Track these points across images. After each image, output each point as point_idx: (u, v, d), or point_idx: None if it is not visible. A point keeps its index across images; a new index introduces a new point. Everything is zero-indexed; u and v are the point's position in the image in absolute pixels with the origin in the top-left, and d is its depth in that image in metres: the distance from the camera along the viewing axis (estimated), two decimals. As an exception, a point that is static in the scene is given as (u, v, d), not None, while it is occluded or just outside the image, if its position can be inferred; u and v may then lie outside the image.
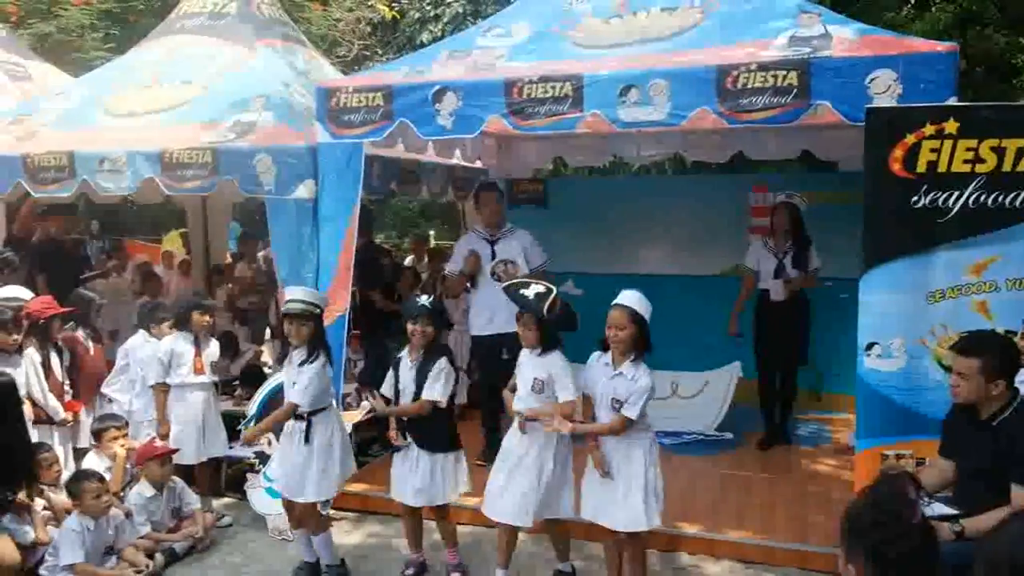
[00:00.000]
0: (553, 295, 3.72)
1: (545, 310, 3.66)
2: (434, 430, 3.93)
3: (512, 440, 3.84)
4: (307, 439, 3.94)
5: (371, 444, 5.67)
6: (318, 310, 4.03)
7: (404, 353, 4.03)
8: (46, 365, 4.87)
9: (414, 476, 3.93)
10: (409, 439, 3.95)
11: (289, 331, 3.97)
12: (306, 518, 4.07)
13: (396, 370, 4.02)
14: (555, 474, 3.76)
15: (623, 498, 3.56)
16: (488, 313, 5.34)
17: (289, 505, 4.11)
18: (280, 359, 5.49)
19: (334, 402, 4.27)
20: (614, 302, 3.60)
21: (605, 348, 3.63)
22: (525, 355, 3.85)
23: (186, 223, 9.12)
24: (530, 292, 3.75)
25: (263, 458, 4.93)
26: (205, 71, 5.78)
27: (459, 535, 4.27)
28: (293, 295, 4.02)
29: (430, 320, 3.93)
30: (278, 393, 4.78)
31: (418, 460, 3.93)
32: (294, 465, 3.98)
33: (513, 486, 3.74)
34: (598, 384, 3.61)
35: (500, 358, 4.90)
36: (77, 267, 7.13)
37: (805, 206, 5.83)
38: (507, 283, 4.07)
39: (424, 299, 4.10)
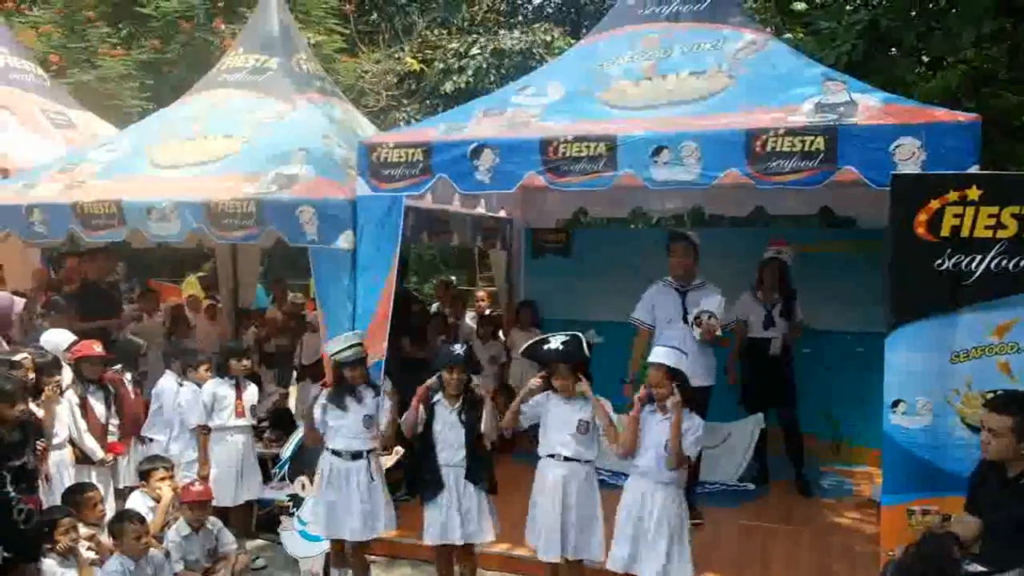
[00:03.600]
0: (583, 338, 3.93)
1: (586, 350, 3.88)
2: (488, 469, 4.09)
3: (548, 477, 3.96)
4: (372, 477, 4.20)
5: (397, 488, 5.76)
6: (363, 349, 4.30)
7: (439, 397, 4.13)
8: (83, 406, 5.03)
9: (455, 514, 4.03)
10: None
11: (347, 375, 4.25)
12: (361, 555, 4.33)
13: (431, 410, 4.10)
14: (579, 509, 3.88)
15: (653, 546, 3.70)
16: None
17: (338, 547, 4.30)
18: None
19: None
20: (649, 360, 3.88)
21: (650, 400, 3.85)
22: (556, 402, 3.98)
23: (213, 266, 9.32)
24: (556, 343, 3.92)
25: (296, 500, 5.03)
26: (247, 124, 5.99)
27: (489, 581, 4.39)
28: (340, 346, 4.23)
29: (464, 368, 4.11)
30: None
31: (464, 498, 4.04)
32: (361, 506, 4.16)
33: (548, 521, 3.89)
34: (645, 430, 3.80)
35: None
36: (111, 310, 7.28)
37: (792, 261, 6.04)
38: (526, 346, 4.21)
39: (458, 347, 4.28)
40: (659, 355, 3.86)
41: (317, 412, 4.30)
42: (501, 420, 4.12)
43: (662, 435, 3.72)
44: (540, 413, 4.02)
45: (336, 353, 4.22)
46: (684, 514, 3.83)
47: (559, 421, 3.94)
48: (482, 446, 4.08)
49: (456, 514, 4.03)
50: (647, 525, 3.74)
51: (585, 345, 3.92)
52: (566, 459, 3.91)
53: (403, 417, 4.15)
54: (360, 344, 4.31)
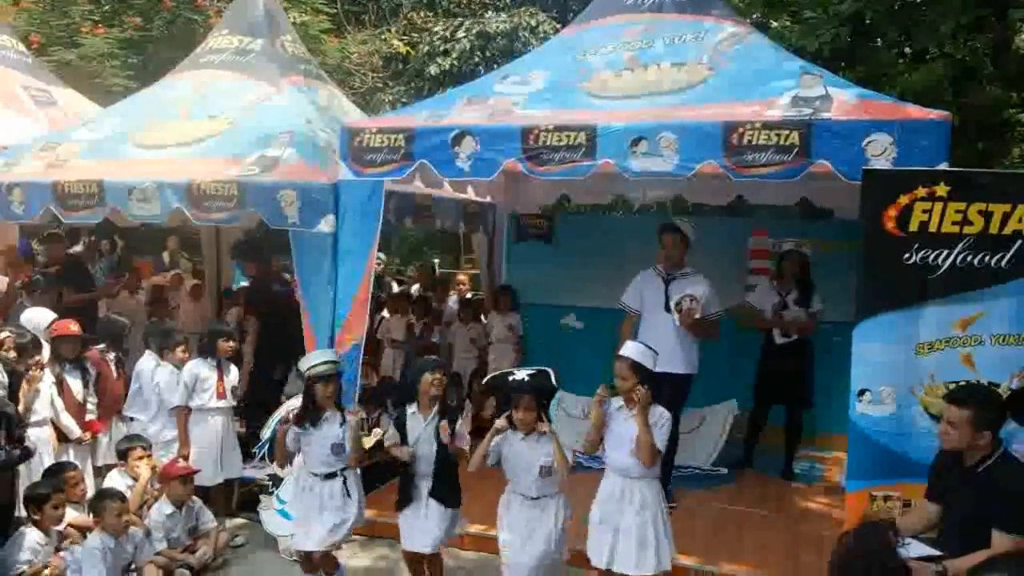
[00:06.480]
0: (550, 371, 3.87)
1: (554, 381, 3.85)
2: (452, 485, 4.03)
3: (523, 514, 3.90)
4: (349, 494, 4.13)
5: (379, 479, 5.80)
6: (337, 366, 4.22)
7: (413, 408, 4.03)
8: (60, 383, 5.05)
9: (425, 523, 3.99)
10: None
11: (320, 393, 4.09)
12: (329, 557, 4.25)
13: (402, 426, 4.03)
14: (552, 542, 3.86)
15: (637, 542, 3.75)
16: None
17: (307, 556, 4.27)
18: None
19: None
20: (618, 354, 3.87)
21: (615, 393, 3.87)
22: (516, 441, 3.84)
23: (199, 247, 9.29)
24: (521, 375, 3.86)
25: (276, 480, 5.10)
26: (231, 106, 5.98)
27: (465, 561, 4.51)
28: (316, 360, 4.14)
29: (445, 370, 4.10)
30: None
31: (428, 513, 3.99)
32: (335, 517, 4.10)
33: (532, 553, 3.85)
34: (613, 426, 3.83)
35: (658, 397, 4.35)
36: (91, 287, 7.27)
37: (810, 253, 6.12)
38: (490, 377, 4.25)
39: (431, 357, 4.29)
40: (628, 349, 3.88)
41: (290, 442, 4.16)
42: (472, 405, 4.11)
43: (631, 432, 3.73)
44: (502, 452, 3.91)
45: (311, 368, 4.10)
46: (662, 498, 3.90)
47: (522, 461, 3.84)
48: (451, 462, 4.01)
49: (425, 523, 3.99)
50: (627, 519, 3.76)
51: (552, 377, 3.86)
52: (534, 499, 3.86)
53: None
54: (335, 362, 4.22)
